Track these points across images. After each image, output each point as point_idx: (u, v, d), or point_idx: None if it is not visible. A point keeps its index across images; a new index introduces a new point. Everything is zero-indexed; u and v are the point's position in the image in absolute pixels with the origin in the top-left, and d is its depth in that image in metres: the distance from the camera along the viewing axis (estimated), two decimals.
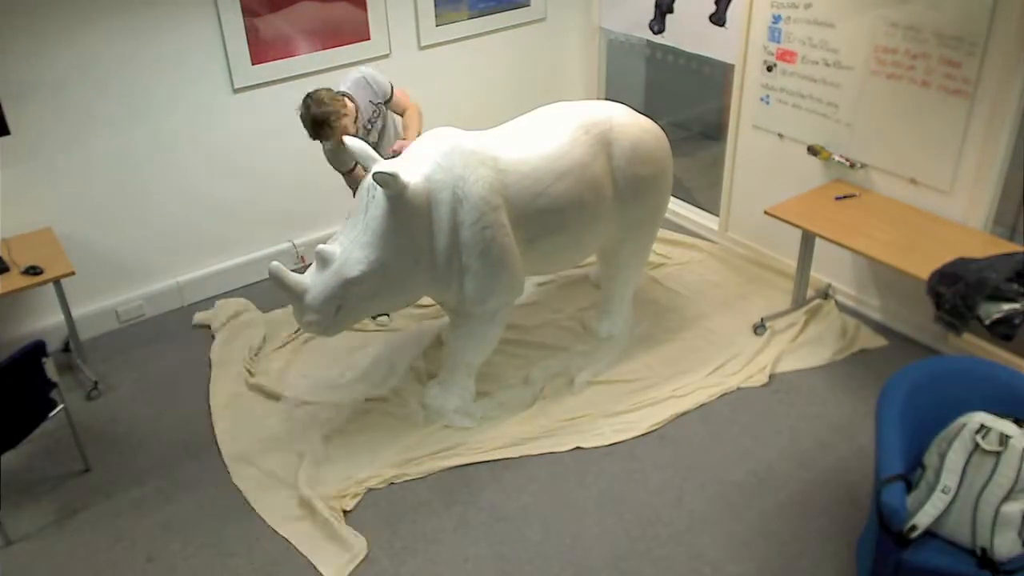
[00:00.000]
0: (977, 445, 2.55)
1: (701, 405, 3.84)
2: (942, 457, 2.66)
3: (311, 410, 3.87)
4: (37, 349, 3.27)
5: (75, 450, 3.63)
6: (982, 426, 2.56)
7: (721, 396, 3.89)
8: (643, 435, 3.69)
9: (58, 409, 3.44)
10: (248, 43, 4.33)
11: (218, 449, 3.70)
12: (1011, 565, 2.54)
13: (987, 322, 3.18)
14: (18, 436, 3.31)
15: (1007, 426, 2.57)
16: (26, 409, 3.33)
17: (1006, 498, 2.54)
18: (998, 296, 3.20)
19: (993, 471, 2.54)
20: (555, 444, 3.65)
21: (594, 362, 4.09)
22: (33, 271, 3.71)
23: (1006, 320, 3.16)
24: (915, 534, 2.57)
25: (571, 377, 4.00)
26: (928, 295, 3.41)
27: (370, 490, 3.46)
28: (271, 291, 4.55)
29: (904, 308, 4.22)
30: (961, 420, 2.70)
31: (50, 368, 3.34)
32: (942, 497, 2.56)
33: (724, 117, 4.94)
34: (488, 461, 3.59)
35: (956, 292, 3.26)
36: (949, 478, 2.57)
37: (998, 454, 2.53)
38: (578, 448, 3.63)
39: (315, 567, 3.14)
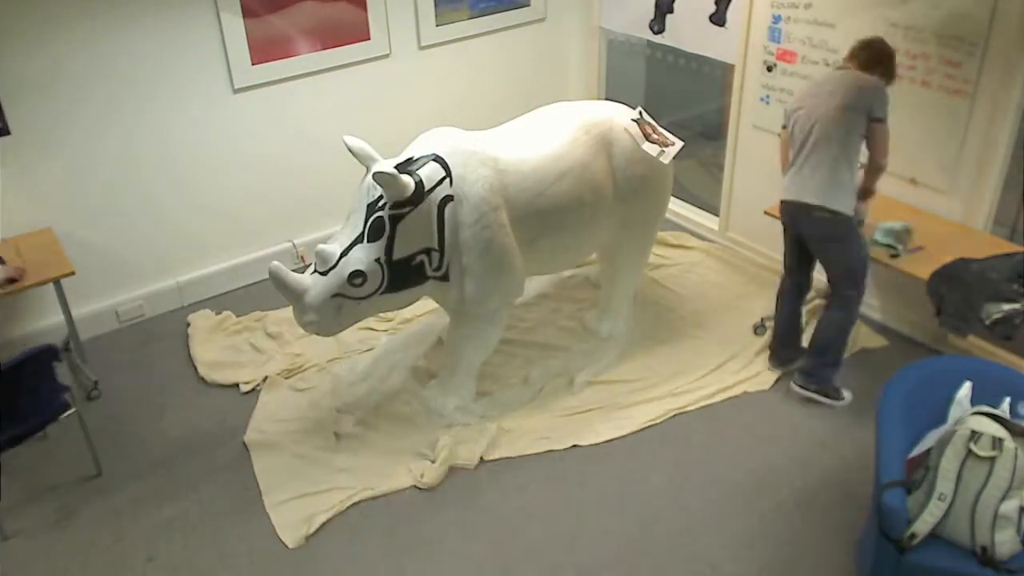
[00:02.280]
0: (970, 451, 2.55)
1: (702, 406, 3.84)
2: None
3: (311, 408, 3.88)
4: (46, 352, 3.28)
5: (86, 453, 3.58)
6: (973, 432, 2.56)
7: (723, 398, 3.89)
8: (643, 434, 3.69)
9: (69, 412, 3.40)
10: (248, 43, 4.33)
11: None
12: (1013, 564, 2.54)
13: (987, 322, 3.19)
14: (21, 436, 3.30)
15: (998, 429, 2.57)
16: (30, 410, 3.32)
17: (1003, 498, 2.54)
18: (999, 296, 3.21)
19: (989, 474, 2.54)
20: (553, 443, 3.65)
21: (594, 362, 4.09)
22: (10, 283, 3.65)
23: (1006, 320, 3.16)
24: (914, 542, 2.57)
25: (571, 377, 4.00)
26: (929, 296, 3.42)
27: (368, 488, 3.47)
28: (271, 291, 4.55)
29: (904, 308, 4.22)
30: (951, 423, 2.70)
31: (62, 371, 3.32)
32: (939, 504, 2.56)
33: (724, 117, 4.95)
34: (488, 461, 3.59)
35: (959, 294, 3.27)
36: (944, 485, 2.57)
37: (992, 459, 2.54)
38: (576, 447, 3.63)
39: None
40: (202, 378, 4.10)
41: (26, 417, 3.30)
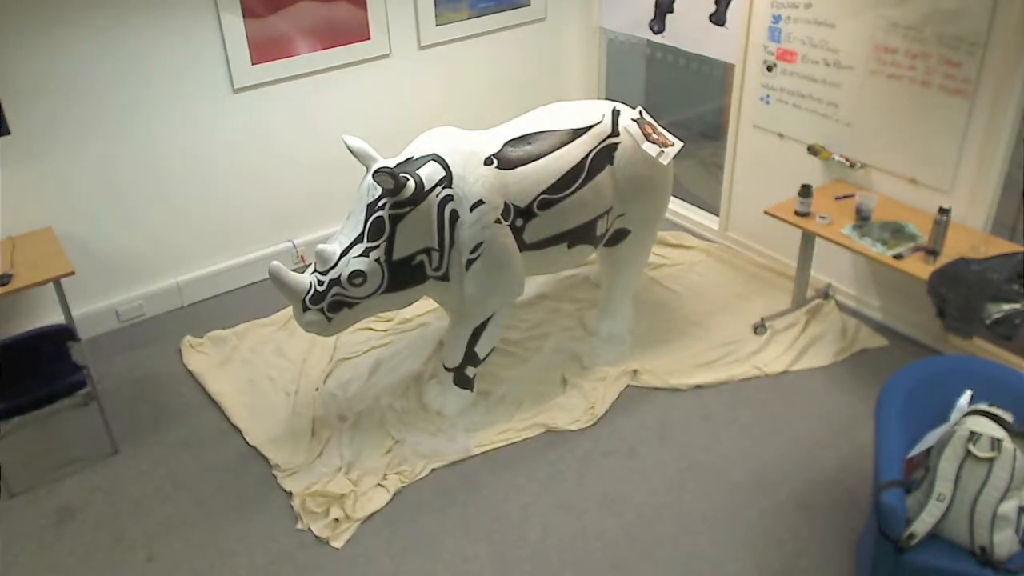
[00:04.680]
0: (969, 452, 2.55)
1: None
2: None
3: (311, 408, 3.88)
4: (61, 332, 3.43)
5: (90, 446, 3.68)
6: (972, 433, 2.57)
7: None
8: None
9: (84, 391, 3.51)
10: (248, 43, 4.34)
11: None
12: (1012, 564, 2.54)
13: (988, 322, 3.19)
14: (30, 405, 3.37)
15: (996, 430, 2.58)
16: (43, 382, 3.40)
17: (1002, 498, 2.54)
18: (999, 296, 3.21)
19: (988, 475, 2.54)
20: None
21: (593, 362, 4.09)
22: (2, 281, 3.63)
23: (1006, 320, 3.17)
24: (913, 542, 2.57)
25: (568, 377, 4.00)
26: (929, 296, 3.41)
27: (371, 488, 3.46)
28: (271, 291, 4.56)
29: (904, 308, 4.22)
30: (951, 424, 2.70)
31: (80, 352, 3.49)
32: (938, 505, 2.56)
33: (724, 117, 4.95)
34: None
35: (960, 296, 3.27)
36: (943, 486, 2.57)
37: (991, 460, 2.54)
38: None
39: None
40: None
41: (38, 389, 3.38)
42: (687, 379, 3.97)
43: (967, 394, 2.86)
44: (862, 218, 3.85)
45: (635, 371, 4.00)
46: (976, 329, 3.26)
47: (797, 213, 3.97)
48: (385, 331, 4.40)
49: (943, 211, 3.52)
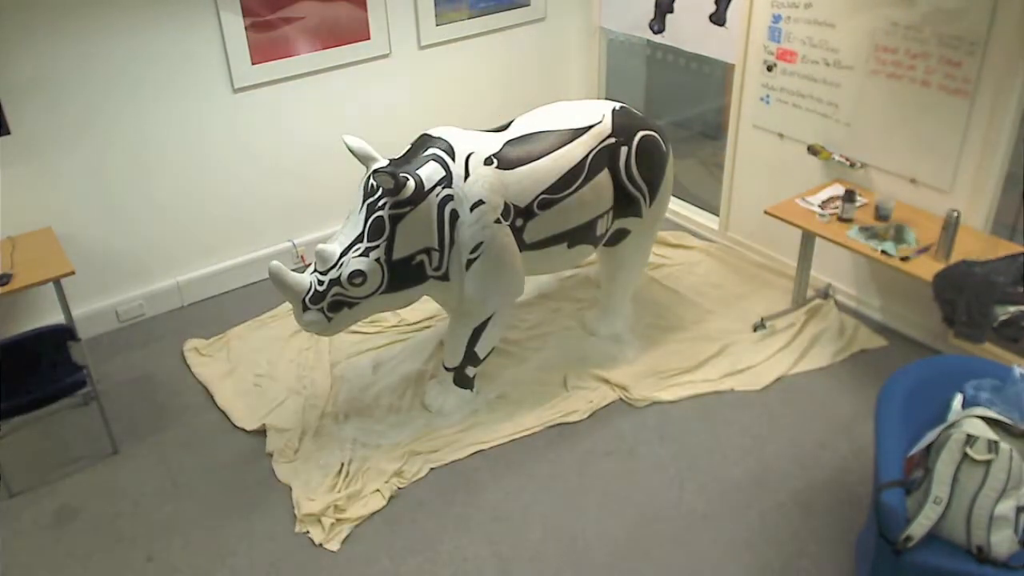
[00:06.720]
0: (966, 455, 2.55)
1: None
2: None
3: (312, 408, 3.88)
4: (60, 332, 3.42)
5: (90, 445, 3.69)
6: (968, 436, 2.57)
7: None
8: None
9: (84, 390, 3.52)
10: (248, 43, 4.34)
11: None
12: (1012, 562, 2.54)
13: (994, 325, 3.19)
14: (30, 404, 3.38)
15: (992, 432, 2.58)
16: (43, 382, 3.42)
17: (999, 499, 2.54)
18: (1004, 299, 3.21)
19: (985, 476, 2.54)
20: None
21: (593, 362, 4.09)
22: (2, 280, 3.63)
23: (1013, 323, 3.17)
24: (910, 544, 2.57)
25: (568, 377, 4.00)
26: (936, 302, 3.41)
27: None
28: (271, 291, 4.56)
29: (904, 308, 4.22)
30: (948, 425, 2.70)
31: (80, 352, 3.50)
32: (934, 508, 2.56)
33: (724, 117, 4.95)
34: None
35: (968, 301, 3.26)
36: (939, 488, 2.57)
37: (988, 462, 2.54)
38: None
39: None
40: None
41: (37, 388, 3.39)
42: (687, 377, 3.98)
43: (958, 397, 2.86)
44: (881, 217, 3.85)
45: (626, 387, 3.94)
46: (986, 334, 3.25)
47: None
48: (385, 331, 4.40)
49: (952, 214, 3.49)
